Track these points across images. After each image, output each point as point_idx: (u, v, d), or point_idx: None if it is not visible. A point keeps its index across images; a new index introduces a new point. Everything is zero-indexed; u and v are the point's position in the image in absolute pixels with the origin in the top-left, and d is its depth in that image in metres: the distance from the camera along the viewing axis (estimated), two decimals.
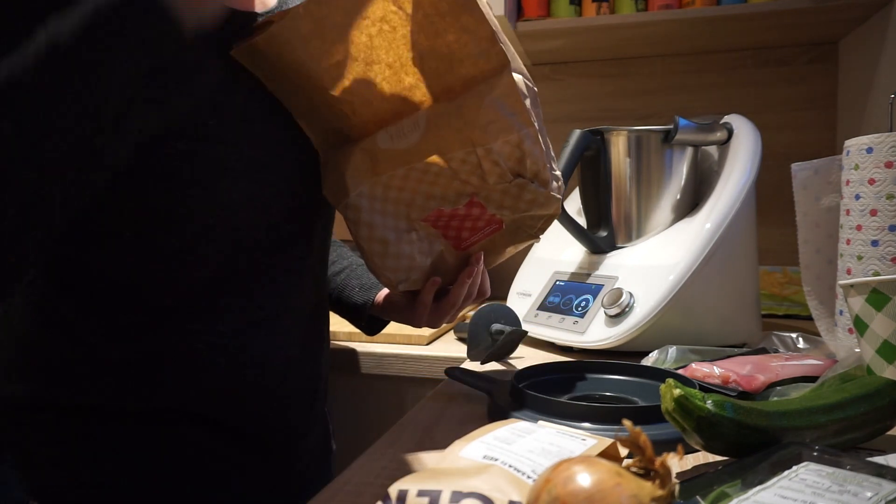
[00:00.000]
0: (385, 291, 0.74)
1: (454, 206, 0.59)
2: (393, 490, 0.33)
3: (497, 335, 0.75)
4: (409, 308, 0.67)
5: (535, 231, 0.64)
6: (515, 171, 0.56)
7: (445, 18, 0.53)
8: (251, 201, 0.55)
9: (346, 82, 0.54)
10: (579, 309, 0.83)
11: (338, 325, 0.99)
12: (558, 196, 0.60)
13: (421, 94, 0.56)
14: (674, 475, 0.28)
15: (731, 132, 0.88)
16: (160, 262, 0.53)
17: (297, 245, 0.60)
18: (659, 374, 0.62)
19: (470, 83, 0.55)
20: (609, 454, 0.36)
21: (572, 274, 0.89)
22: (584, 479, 0.27)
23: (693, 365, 0.61)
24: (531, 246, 1.02)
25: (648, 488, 0.27)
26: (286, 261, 0.59)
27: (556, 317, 0.84)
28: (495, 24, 0.54)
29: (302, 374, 0.63)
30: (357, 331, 0.94)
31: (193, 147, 0.50)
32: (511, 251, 0.66)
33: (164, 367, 0.54)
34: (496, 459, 0.35)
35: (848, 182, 0.68)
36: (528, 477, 0.34)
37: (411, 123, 0.56)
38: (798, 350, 0.74)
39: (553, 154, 0.62)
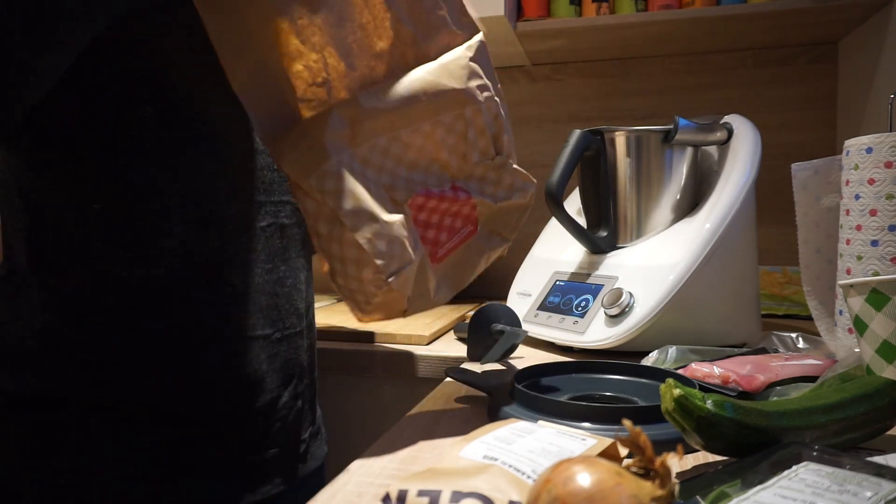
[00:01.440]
0: None
1: (440, 188, 0.54)
2: (393, 490, 0.33)
3: (497, 335, 0.75)
4: None
5: (509, 229, 0.60)
6: (496, 146, 0.55)
7: None
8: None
9: (314, 37, 0.48)
10: (579, 309, 0.83)
11: (338, 325, 0.99)
12: (534, 181, 0.59)
13: (395, 59, 0.52)
14: (674, 475, 0.28)
15: (731, 132, 0.88)
16: (130, 236, 0.53)
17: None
18: (659, 374, 0.62)
19: (443, 52, 0.54)
20: (609, 454, 0.36)
21: (572, 274, 0.89)
22: (584, 479, 0.27)
23: (693, 365, 0.61)
24: (531, 250, 1.01)
25: (648, 488, 0.27)
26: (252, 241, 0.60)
27: (556, 317, 0.84)
28: None
29: (276, 360, 0.63)
30: (358, 330, 0.94)
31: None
32: (482, 266, 0.60)
33: (131, 356, 0.55)
34: (496, 459, 0.35)
35: (848, 182, 0.68)
36: (528, 477, 0.34)
37: (392, 84, 0.51)
38: (798, 350, 0.74)
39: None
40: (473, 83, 0.54)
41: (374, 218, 0.47)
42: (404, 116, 0.51)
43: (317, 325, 0.98)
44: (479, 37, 0.55)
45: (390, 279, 0.48)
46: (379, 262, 0.47)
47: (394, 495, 0.32)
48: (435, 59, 0.53)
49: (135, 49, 0.53)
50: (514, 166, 0.57)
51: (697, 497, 0.33)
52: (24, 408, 0.55)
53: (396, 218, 0.49)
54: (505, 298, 0.98)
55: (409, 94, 0.51)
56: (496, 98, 0.55)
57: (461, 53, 0.54)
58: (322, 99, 0.49)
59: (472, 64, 0.54)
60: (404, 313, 0.53)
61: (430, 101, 0.52)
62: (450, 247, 0.56)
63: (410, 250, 0.50)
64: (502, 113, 0.55)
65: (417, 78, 0.52)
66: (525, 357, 0.81)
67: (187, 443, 0.58)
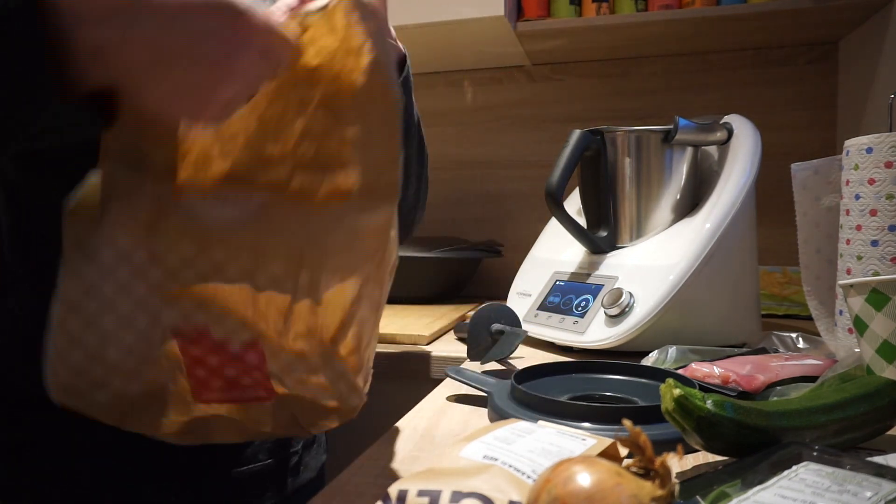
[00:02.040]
0: None
1: (227, 340, 0.42)
2: (393, 490, 0.33)
3: (497, 335, 0.75)
4: None
5: (308, 425, 0.46)
6: (332, 336, 0.43)
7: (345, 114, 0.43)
8: None
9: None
10: (579, 309, 0.83)
11: None
12: (362, 396, 0.46)
13: (276, 174, 0.42)
14: (674, 475, 0.28)
15: (731, 132, 0.88)
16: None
17: None
18: (659, 374, 0.62)
19: (331, 197, 0.43)
20: (609, 454, 0.36)
21: (572, 274, 0.89)
22: (584, 479, 0.27)
23: (693, 365, 0.61)
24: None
25: (648, 488, 0.27)
26: None
27: (556, 317, 0.84)
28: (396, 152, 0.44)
29: None
30: None
31: None
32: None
33: None
34: (496, 459, 0.35)
35: (848, 182, 0.68)
36: (528, 477, 0.34)
37: (242, 198, 0.41)
38: (798, 350, 0.74)
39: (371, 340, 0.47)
40: (337, 254, 0.43)
41: (98, 313, 0.39)
42: (224, 244, 0.41)
43: None
44: (392, 203, 0.45)
45: (68, 401, 0.41)
46: (66, 374, 0.40)
47: (394, 495, 0.32)
48: (322, 203, 0.43)
49: None
50: (342, 370, 0.44)
51: (697, 497, 0.33)
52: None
53: (140, 335, 0.41)
54: (505, 298, 0.98)
55: (248, 217, 0.41)
56: (375, 290, 0.44)
57: (343, 211, 0.43)
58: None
59: (348, 230, 0.44)
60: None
61: (262, 240, 0.42)
62: (223, 399, 0.44)
63: (129, 377, 0.41)
64: (365, 306, 0.44)
65: (271, 210, 0.42)
66: (525, 357, 0.81)
67: (171, 454, 0.53)
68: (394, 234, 0.46)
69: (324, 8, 0.40)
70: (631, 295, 0.78)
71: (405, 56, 0.65)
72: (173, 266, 0.40)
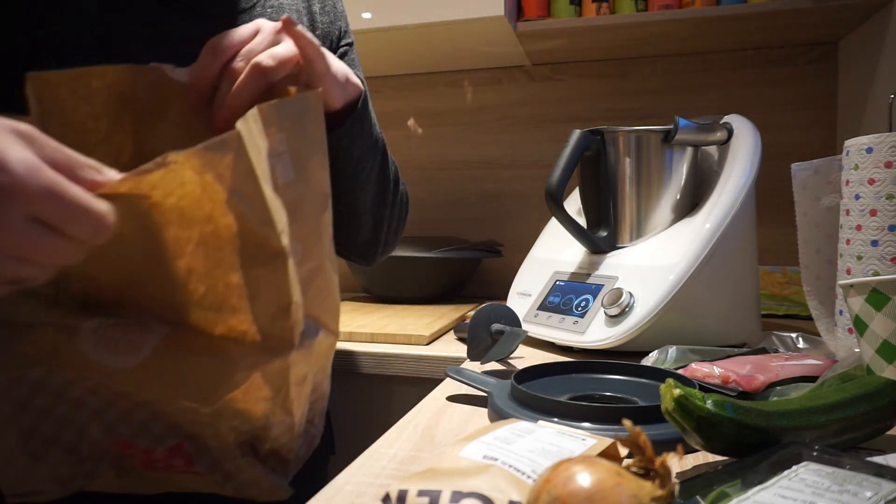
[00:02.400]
0: None
1: (150, 445, 0.45)
2: (393, 490, 0.33)
3: (497, 335, 0.75)
4: None
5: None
6: (246, 443, 0.46)
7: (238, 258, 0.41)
8: None
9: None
10: (579, 309, 0.83)
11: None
12: (284, 490, 0.48)
13: (171, 312, 0.43)
14: (674, 475, 0.28)
15: (731, 132, 0.88)
16: None
17: None
18: (659, 374, 0.62)
19: (227, 339, 0.43)
20: (609, 454, 0.36)
21: (572, 274, 0.89)
22: (584, 479, 0.27)
23: (693, 365, 0.61)
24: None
25: (648, 488, 0.27)
26: None
27: (556, 317, 0.84)
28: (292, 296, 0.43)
29: None
30: (357, 331, 0.94)
31: None
32: None
33: None
34: (496, 459, 0.35)
35: (848, 182, 0.68)
36: (528, 477, 0.34)
37: (136, 339, 0.42)
38: (798, 350, 0.74)
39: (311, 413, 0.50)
40: (240, 391, 0.44)
41: None
42: (121, 379, 0.43)
43: None
44: (288, 353, 0.44)
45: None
46: None
47: (394, 495, 0.32)
48: (221, 341, 0.43)
49: None
50: (260, 474, 0.46)
51: (697, 497, 0.33)
52: None
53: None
54: (505, 298, 0.98)
55: (145, 359, 0.43)
56: (287, 418, 0.46)
57: (242, 353, 0.44)
58: None
59: (248, 367, 0.43)
60: None
61: (161, 381, 0.43)
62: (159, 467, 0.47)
63: None
64: (278, 426, 0.46)
65: (171, 347, 0.43)
66: (525, 357, 0.81)
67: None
68: (298, 373, 0.45)
69: (163, 165, 0.38)
70: (631, 295, 0.78)
71: (362, 92, 0.64)
72: (84, 391, 0.43)
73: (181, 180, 0.38)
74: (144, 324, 0.43)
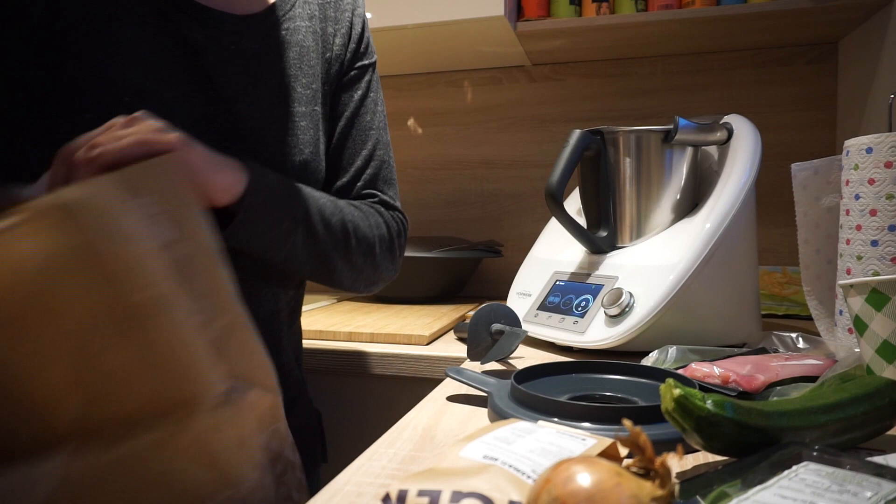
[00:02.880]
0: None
1: None
2: (393, 490, 0.33)
3: (497, 335, 0.75)
4: None
5: None
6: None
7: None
8: None
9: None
10: (579, 309, 0.83)
11: (339, 325, 0.99)
12: None
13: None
14: (674, 475, 0.28)
15: (731, 132, 0.88)
16: None
17: None
18: (659, 374, 0.62)
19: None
20: (609, 454, 0.36)
21: (572, 274, 0.89)
22: (584, 479, 0.27)
23: (693, 365, 0.61)
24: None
25: (648, 488, 0.27)
26: None
27: (556, 317, 0.84)
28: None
29: None
30: (357, 331, 0.94)
31: None
32: None
33: None
34: (496, 459, 0.35)
35: (848, 182, 0.68)
36: (528, 477, 0.34)
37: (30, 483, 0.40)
38: (798, 350, 0.74)
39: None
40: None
41: None
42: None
43: (317, 326, 0.98)
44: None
45: None
46: None
47: (394, 495, 0.32)
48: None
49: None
50: None
51: (697, 497, 0.33)
52: None
53: None
54: (505, 298, 0.98)
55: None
56: None
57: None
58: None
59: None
60: None
61: None
62: None
63: None
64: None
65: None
66: (525, 357, 0.81)
67: None
68: (230, 435, 0.45)
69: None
70: (631, 295, 0.78)
71: (246, 193, 0.61)
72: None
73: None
74: (35, 466, 0.40)
